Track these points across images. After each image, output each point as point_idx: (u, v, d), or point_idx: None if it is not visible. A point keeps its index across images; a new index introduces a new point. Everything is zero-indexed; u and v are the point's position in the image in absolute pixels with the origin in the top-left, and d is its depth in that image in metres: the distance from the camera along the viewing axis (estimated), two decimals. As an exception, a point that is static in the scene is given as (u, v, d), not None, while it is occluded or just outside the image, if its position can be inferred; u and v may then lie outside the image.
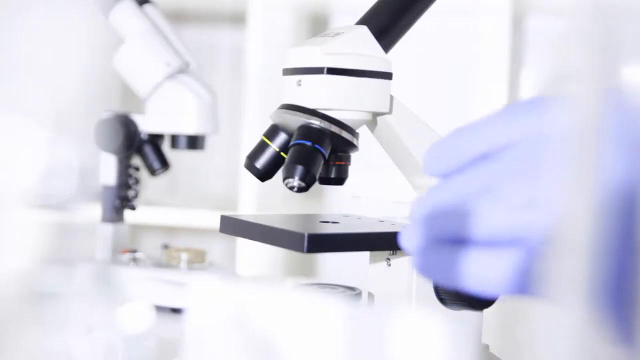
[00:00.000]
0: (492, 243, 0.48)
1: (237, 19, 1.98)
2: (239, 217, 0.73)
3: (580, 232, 0.34)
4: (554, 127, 0.46)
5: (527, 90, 1.92)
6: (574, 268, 0.33)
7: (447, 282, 0.51)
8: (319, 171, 0.69)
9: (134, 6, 1.10)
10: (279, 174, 0.71)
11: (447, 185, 0.50)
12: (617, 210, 0.37)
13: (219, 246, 2.00)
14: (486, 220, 0.47)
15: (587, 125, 0.34)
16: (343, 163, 0.72)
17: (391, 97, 0.71)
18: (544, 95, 0.50)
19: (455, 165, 0.50)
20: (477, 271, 0.48)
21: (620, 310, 0.39)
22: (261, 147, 0.72)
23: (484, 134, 0.50)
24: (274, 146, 0.72)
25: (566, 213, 0.35)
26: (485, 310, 0.67)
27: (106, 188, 1.09)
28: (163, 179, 1.25)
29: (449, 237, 0.49)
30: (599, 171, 0.34)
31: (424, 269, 0.50)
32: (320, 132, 0.69)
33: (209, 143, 1.15)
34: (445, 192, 0.50)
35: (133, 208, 1.11)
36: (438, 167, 0.51)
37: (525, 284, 0.47)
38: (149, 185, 1.54)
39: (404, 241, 0.51)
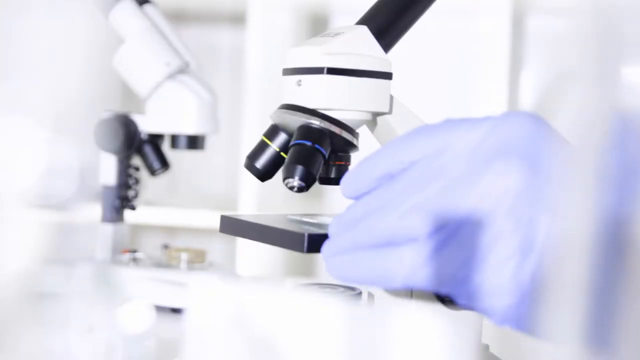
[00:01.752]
0: (390, 244, 0.58)
1: (237, 19, 1.98)
2: (239, 217, 0.73)
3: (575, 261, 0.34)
4: (450, 145, 0.58)
5: (527, 90, 1.92)
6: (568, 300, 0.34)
7: (355, 282, 0.63)
8: (319, 171, 0.69)
9: (134, 6, 1.10)
10: (279, 174, 0.71)
11: (357, 204, 0.61)
12: (608, 241, 0.37)
13: (219, 246, 2.00)
14: (381, 227, 0.58)
15: (589, 127, 0.34)
16: (343, 163, 0.71)
17: (391, 97, 0.71)
18: (448, 119, 0.61)
19: (364, 188, 0.61)
20: (373, 268, 0.59)
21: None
22: (261, 147, 0.72)
23: (385, 158, 0.60)
24: (274, 146, 0.72)
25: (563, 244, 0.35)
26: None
27: (106, 188, 1.09)
28: (163, 179, 1.25)
29: (358, 245, 0.60)
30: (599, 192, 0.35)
31: (335, 272, 0.61)
32: (320, 132, 0.69)
33: (209, 143, 1.15)
34: (355, 210, 0.61)
35: (133, 208, 1.11)
36: (351, 191, 0.62)
37: (423, 277, 0.58)
38: (149, 185, 1.54)
39: (323, 251, 0.62)
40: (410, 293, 0.66)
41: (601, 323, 0.37)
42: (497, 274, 0.57)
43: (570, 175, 0.35)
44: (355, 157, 0.73)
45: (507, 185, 0.57)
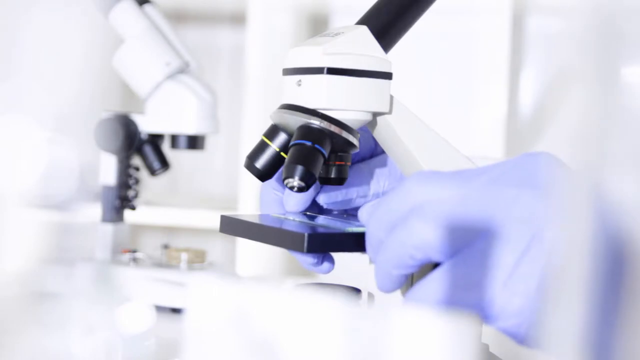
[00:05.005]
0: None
1: (237, 19, 1.98)
2: (239, 217, 0.73)
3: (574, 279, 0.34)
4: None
5: (527, 90, 1.92)
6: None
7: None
8: (319, 171, 0.69)
9: (134, 6, 1.10)
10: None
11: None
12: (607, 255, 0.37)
13: (219, 246, 2.00)
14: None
15: (589, 127, 0.34)
16: (343, 163, 0.71)
17: (391, 97, 0.71)
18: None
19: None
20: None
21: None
22: (261, 147, 0.72)
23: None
24: (274, 146, 0.72)
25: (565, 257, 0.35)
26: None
27: (106, 188, 1.09)
28: (163, 179, 1.25)
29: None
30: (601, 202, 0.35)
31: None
32: (320, 132, 0.69)
33: (209, 143, 1.15)
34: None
35: (133, 208, 1.11)
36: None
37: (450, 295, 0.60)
38: (149, 185, 1.54)
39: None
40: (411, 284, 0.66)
41: (601, 340, 0.37)
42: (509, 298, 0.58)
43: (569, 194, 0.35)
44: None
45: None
